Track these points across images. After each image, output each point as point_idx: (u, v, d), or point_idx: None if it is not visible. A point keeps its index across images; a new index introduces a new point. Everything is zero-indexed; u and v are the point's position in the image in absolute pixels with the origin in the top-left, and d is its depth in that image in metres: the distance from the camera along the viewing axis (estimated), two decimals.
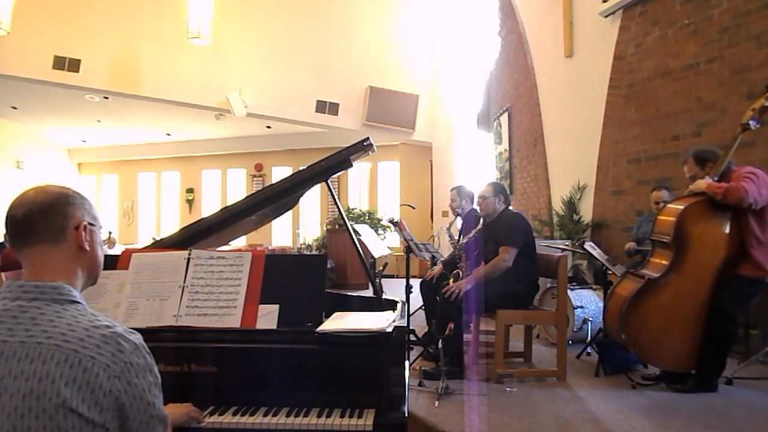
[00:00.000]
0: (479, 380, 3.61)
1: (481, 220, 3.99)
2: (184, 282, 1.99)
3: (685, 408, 3.04)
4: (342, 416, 1.69)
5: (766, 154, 4.11)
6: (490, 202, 3.98)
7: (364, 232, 4.39)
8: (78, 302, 1.11)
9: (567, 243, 5.59)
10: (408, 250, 4.44)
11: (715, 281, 3.25)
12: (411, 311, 4.73)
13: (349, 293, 3.08)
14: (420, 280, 4.91)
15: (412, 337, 4.32)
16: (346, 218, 2.58)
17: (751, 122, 3.22)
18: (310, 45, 10.12)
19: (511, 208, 4.15)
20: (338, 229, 9.93)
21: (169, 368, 1.74)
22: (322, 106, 10.26)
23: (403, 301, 2.31)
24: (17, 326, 1.04)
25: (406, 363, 1.81)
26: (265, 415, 1.70)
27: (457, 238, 4.35)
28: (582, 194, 6.20)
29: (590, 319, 4.41)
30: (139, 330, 1.15)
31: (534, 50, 7.49)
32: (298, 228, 12.35)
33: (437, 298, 4.04)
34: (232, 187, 14.75)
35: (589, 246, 4.31)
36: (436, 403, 3.13)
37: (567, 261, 3.93)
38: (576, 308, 4.43)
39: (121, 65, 9.38)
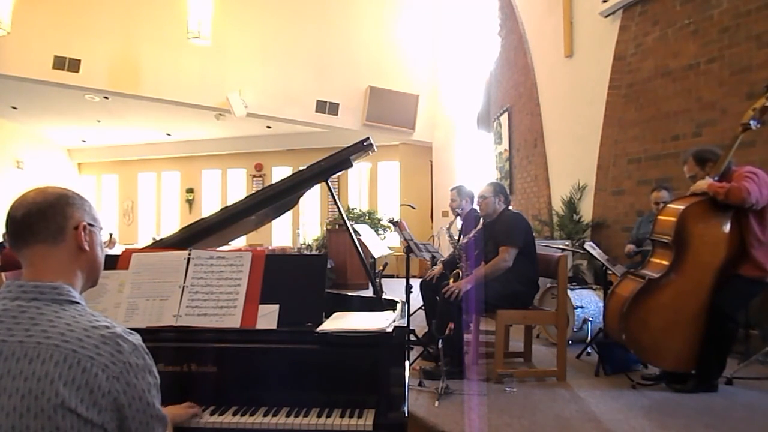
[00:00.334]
0: (479, 380, 3.61)
1: (481, 220, 3.99)
2: (184, 282, 1.99)
3: (685, 408, 3.04)
4: (342, 416, 1.69)
5: (766, 154, 4.11)
6: (490, 202, 3.98)
7: (364, 232, 4.39)
8: (77, 302, 1.12)
9: (567, 243, 5.59)
10: (408, 250, 4.44)
11: (716, 281, 3.25)
12: (411, 311, 4.73)
13: (349, 293, 3.08)
14: (420, 280, 4.91)
15: (412, 337, 4.32)
16: (346, 218, 2.58)
17: (751, 122, 3.22)
18: (310, 45, 10.12)
19: (511, 208, 4.15)
20: (338, 229, 9.93)
21: (169, 368, 1.74)
22: (322, 106, 10.26)
23: (403, 301, 2.31)
24: (16, 326, 1.04)
25: (406, 363, 1.81)
26: (265, 415, 1.70)
27: (457, 238, 4.35)
28: (582, 194, 6.20)
29: (590, 319, 4.41)
30: (139, 330, 1.15)
31: (534, 50, 7.49)
32: (298, 228, 12.35)
33: (437, 298, 4.04)
34: (232, 187, 14.75)
35: (589, 246, 4.31)
36: (436, 403, 3.13)
37: (567, 261, 3.93)
38: (576, 308, 4.43)
39: (121, 65, 9.37)
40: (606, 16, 5.79)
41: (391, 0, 10.73)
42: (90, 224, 1.19)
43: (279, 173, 13.71)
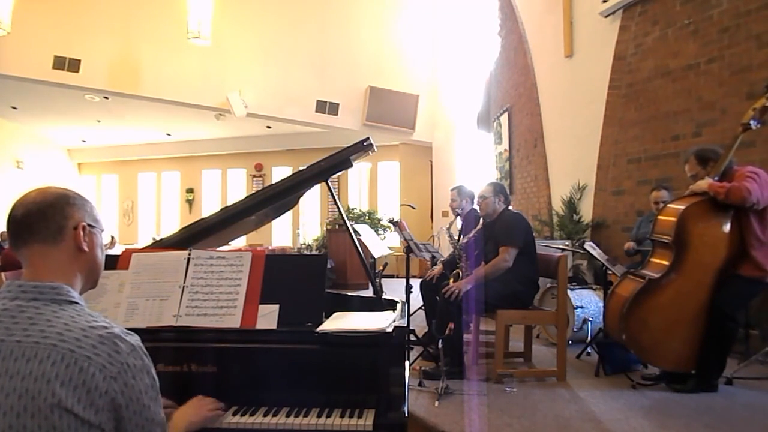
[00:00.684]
0: (479, 380, 3.61)
1: (481, 220, 3.99)
2: (184, 282, 1.98)
3: (685, 408, 3.04)
4: (342, 416, 1.69)
5: (766, 154, 4.11)
6: (490, 202, 3.98)
7: (364, 232, 4.39)
8: (76, 303, 1.11)
9: (567, 243, 5.59)
10: (408, 250, 4.43)
11: (716, 281, 3.25)
12: (411, 311, 4.73)
13: (349, 293, 3.08)
14: (420, 280, 4.90)
15: (412, 337, 4.32)
16: (346, 218, 2.58)
17: (751, 122, 3.22)
18: (310, 45, 10.13)
19: (511, 208, 4.15)
20: (338, 229, 9.93)
21: (169, 368, 1.74)
22: (322, 106, 10.26)
23: (403, 301, 2.30)
24: (15, 326, 1.04)
25: (406, 363, 1.81)
26: (265, 415, 1.69)
27: (457, 238, 4.35)
28: (582, 194, 6.20)
29: (590, 319, 4.41)
30: (139, 330, 1.15)
31: (534, 50, 7.49)
32: (298, 228, 12.35)
33: (437, 298, 4.04)
34: (232, 187, 14.75)
35: (589, 246, 4.31)
36: (436, 403, 3.13)
37: (567, 261, 3.93)
38: (576, 308, 4.43)
39: (121, 65, 9.38)
40: (606, 16, 5.79)
41: (391, 0, 10.73)
42: (90, 225, 1.19)
43: (279, 173, 13.71)
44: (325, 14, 10.23)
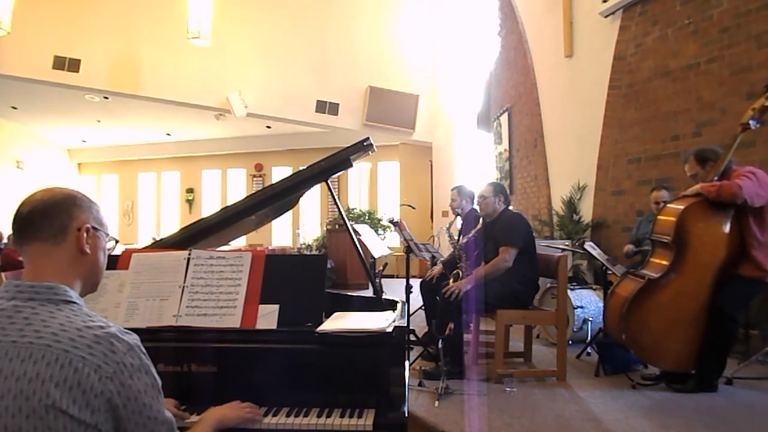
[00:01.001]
0: (479, 380, 3.61)
1: (481, 220, 3.99)
2: (184, 282, 1.98)
3: (685, 408, 3.04)
4: (342, 416, 1.69)
5: (766, 154, 4.11)
6: (490, 202, 3.98)
7: (364, 232, 4.39)
8: (73, 302, 1.11)
9: (567, 243, 5.59)
10: (408, 250, 4.43)
11: (715, 281, 3.25)
12: (411, 311, 4.72)
13: (349, 293, 3.08)
14: (420, 280, 4.90)
15: (412, 337, 4.32)
16: (346, 218, 2.58)
17: (751, 122, 3.22)
18: (310, 45, 10.12)
19: (511, 208, 4.15)
20: (338, 229, 9.93)
21: (169, 368, 1.74)
22: (322, 106, 10.26)
23: (403, 301, 2.30)
24: (11, 326, 1.04)
25: (406, 363, 1.81)
26: (265, 415, 1.69)
27: (457, 238, 4.35)
28: (582, 194, 6.20)
29: (590, 319, 4.41)
30: (139, 330, 1.14)
31: (534, 50, 7.49)
32: (298, 228, 12.36)
33: (437, 298, 4.04)
34: (232, 187, 14.75)
35: (589, 246, 4.31)
36: (436, 403, 3.13)
37: (567, 261, 3.93)
38: (576, 308, 4.43)
39: (121, 65, 9.37)
40: (606, 16, 5.79)
41: (391, 0, 10.73)
42: (94, 227, 1.18)
43: (279, 173, 13.71)
44: (325, 14, 10.23)
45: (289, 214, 6.78)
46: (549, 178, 7.10)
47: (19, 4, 8.04)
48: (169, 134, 14.06)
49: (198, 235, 2.37)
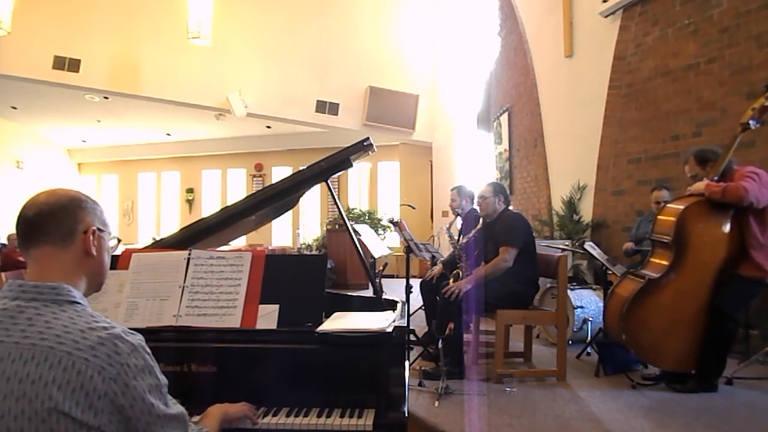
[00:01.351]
0: (479, 380, 3.61)
1: (481, 220, 3.99)
2: (184, 282, 1.98)
3: (685, 408, 3.04)
4: (342, 416, 1.69)
5: (766, 154, 4.11)
6: (490, 202, 3.98)
7: (364, 232, 4.39)
8: (77, 303, 1.11)
9: (567, 243, 5.59)
10: (408, 250, 4.43)
11: (715, 281, 3.25)
12: (411, 311, 4.72)
13: (349, 293, 3.08)
14: (420, 280, 4.90)
15: (412, 337, 4.32)
16: (346, 218, 2.58)
17: (751, 122, 3.22)
18: (310, 45, 10.13)
19: (511, 208, 4.15)
20: (338, 229, 9.93)
21: (169, 368, 1.74)
22: (322, 106, 10.26)
23: (403, 301, 2.31)
24: (14, 326, 1.03)
25: (406, 363, 1.81)
26: (265, 415, 1.69)
27: (457, 238, 4.35)
28: (582, 194, 6.20)
29: (590, 319, 4.41)
30: (138, 330, 1.14)
31: (534, 50, 7.49)
32: (298, 228, 12.35)
33: (437, 298, 4.04)
34: (232, 187, 14.75)
35: (589, 246, 4.31)
36: (436, 403, 3.13)
37: (567, 261, 3.93)
38: (576, 308, 4.43)
39: (121, 65, 9.38)
40: (606, 16, 5.79)
41: (391, 0, 10.73)
42: (100, 229, 1.18)
43: (279, 173, 13.71)
44: (325, 14, 10.23)
45: (289, 214, 6.78)
46: (549, 178, 7.10)
47: (19, 4, 8.04)
48: (169, 134, 14.06)
49: (198, 235, 2.37)
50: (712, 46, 4.67)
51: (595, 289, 4.75)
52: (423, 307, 4.88)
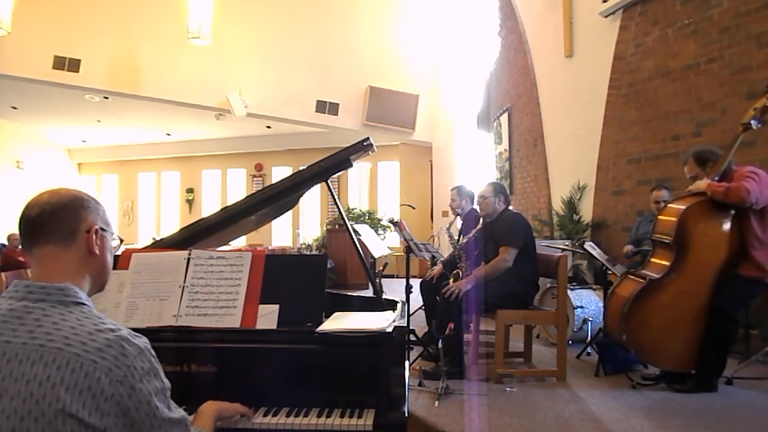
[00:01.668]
0: (479, 380, 3.61)
1: (481, 220, 3.99)
2: (184, 282, 1.98)
3: (685, 408, 3.04)
4: (342, 416, 1.69)
5: (766, 154, 4.11)
6: (490, 202, 3.98)
7: (364, 232, 4.39)
8: (84, 304, 1.11)
9: (567, 243, 5.59)
10: (408, 250, 4.43)
11: (716, 281, 3.25)
12: (411, 311, 4.72)
13: (349, 293, 3.08)
14: (420, 280, 4.90)
15: (412, 337, 4.32)
16: (346, 218, 2.58)
17: (752, 122, 3.22)
18: (310, 45, 10.13)
19: (511, 208, 4.14)
20: (338, 229, 9.93)
21: (169, 368, 1.72)
22: (322, 106, 10.26)
23: (403, 301, 2.30)
24: (21, 327, 1.04)
25: (406, 363, 1.81)
26: (265, 415, 1.69)
27: (457, 238, 4.35)
28: (582, 194, 6.20)
29: (590, 319, 4.41)
30: (138, 330, 1.14)
31: (534, 50, 7.49)
32: (298, 228, 12.35)
33: (437, 298, 4.03)
34: (232, 187, 14.75)
35: (589, 246, 4.31)
36: (436, 403, 3.13)
37: (567, 261, 3.93)
38: (576, 308, 4.43)
39: (121, 65, 9.38)
40: (606, 16, 5.79)
41: (391, 0, 10.73)
42: (102, 229, 1.19)
43: (279, 173, 13.71)
44: (325, 14, 10.24)
45: (289, 214, 6.78)
46: (549, 178, 7.10)
47: (19, 4, 8.04)
48: (169, 134, 14.06)
49: (198, 235, 2.37)
50: (712, 46, 4.67)
51: (595, 289, 4.75)
52: (423, 307, 4.88)
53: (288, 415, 1.70)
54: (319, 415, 1.70)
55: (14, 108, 11.97)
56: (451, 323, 3.61)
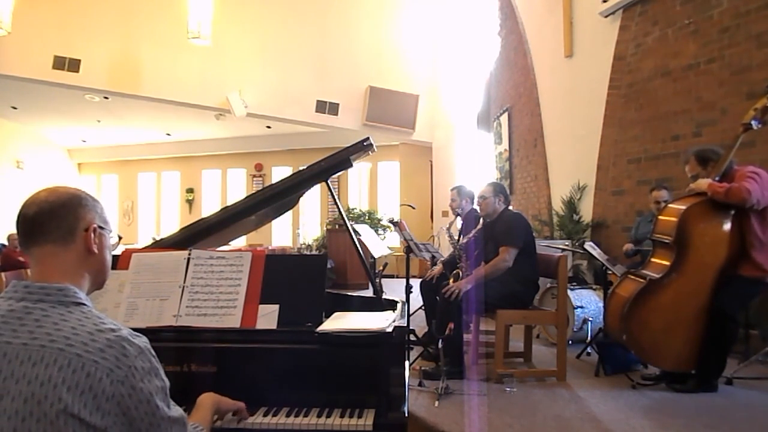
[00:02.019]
0: (479, 380, 3.61)
1: (481, 220, 3.99)
2: (184, 282, 1.98)
3: (685, 408, 3.04)
4: (342, 416, 1.69)
5: (766, 154, 4.11)
6: (490, 202, 3.98)
7: (364, 232, 4.39)
8: (83, 304, 1.11)
9: (567, 243, 5.59)
10: (408, 250, 4.43)
11: (716, 281, 3.25)
12: (411, 311, 4.72)
13: (349, 293, 3.08)
14: (420, 280, 4.90)
15: (412, 337, 4.32)
16: (346, 218, 2.58)
17: (753, 122, 3.22)
18: (310, 45, 10.13)
19: (511, 208, 4.14)
20: (338, 229, 9.93)
21: (169, 368, 1.72)
22: (322, 106, 10.27)
23: (403, 301, 2.31)
24: (21, 328, 1.03)
25: (406, 363, 1.81)
26: (265, 415, 1.69)
27: (457, 238, 4.35)
28: (582, 194, 6.20)
29: (590, 319, 4.41)
30: (138, 330, 1.14)
31: (534, 50, 7.49)
32: (298, 228, 12.36)
33: (437, 298, 4.03)
34: (232, 187, 14.75)
35: (589, 246, 4.31)
36: (436, 403, 3.12)
37: (567, 261, 3.92)
38: (576, 308, 4.43)
39: (121, 65, 9.38)
40: (606, 16, 5.79)
41: (391, 0, 10.74)
42: (100, 227, 1.18)
43: (279, 173, 13.71)
44: (325, 14, 10.24)
45: (289, 214, 6.78)
46: (549, 178, 7.10)
47: (19, 4, 8.04)
48: (169, 134, 14.06)
49: (198, 235, 2.37)
50: (712, 46, 4.67)
51: (595, 289, 4.75)
52: (423, 307, 4.88)
53: (288, 415, 1.70)
54: (319, 415, 1.70)
55: (14, 108, 11.97)
56: (451, 323, 3.61)
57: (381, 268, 5.00)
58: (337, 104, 10.31)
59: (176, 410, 1.13)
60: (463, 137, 10.90)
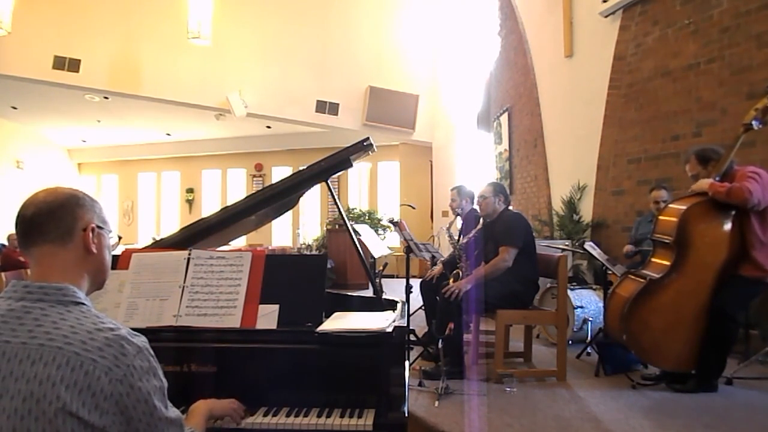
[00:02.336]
0: (479, 380, 3.61)
1: (481, 220, 3.99)
2: (184, 282, 1.98)
3: (685, 408, 3.04)
4: (342, 416, 1.69)
5: (766, 154, 4.11)
6: (490, 202, 3.98)
7: (364, 232, 4.39)
8: (82, 303, 1.11)
9: (567, 243, 5.59)
10: (408, 250, 4.43)
11: (716, 282, 3.25)
12: (411, 311, 4.72)
13: (349, 293, 3.08)
14: (420, 280, 4.90)
15: (412, 337, 4.32)
16: (346, 218, 2.58)
17: (754, 122, 3.22)
18: (310, 45, 10.13)
19: (511, 208, 4.14)
20: (338, 229, 9.93)
21: (169, 368, 1.73)
22: (322, 106, 10.27)
23: (403, 301, 2.31)
24: (20, 327, 1.04)
25: (406, 363, 1.81)
26: (265, 415, 1.69)
27: (457, 238, 4.35)
28: (582, 194, 6.20)
29: (590, 319, 4.41)
30: (138, 330, 1.15)
31: (534, 50, 7.49)
32: (298, 228, 12.36)
33: (437, 298, 4.03)
34: (232, 187, 14.75)
35: (589, 246, 4.31)
36: (436, 403, 3.13)
37: (567, 261, 3.92)
38: (576, 308, 4.43)
39: (121, 65, 9.38)
40: (606, 16, 5.79)
41: (391, 0, 10.74)
42: (99, 227, 1.18)
43: (279, 173, 13.71)
44: (325, 14, 10.24)
45: (289, 214, 6.78)
46: (549, 178, 7.10)
47: (19, 4, 8.04)
48: (169, 134, 14.06)
49: (198, 235, 2.37)
50: (712, 46, 4.67)
51: (595, 289, 4.75)
52: (423, 307, 4.88)
53: (288, 415, 1.70)
54: (319, 415, 1.70)
55: (14, 108, 11.97)
56: (451, 323, 3.61)
57: (381, 268, 5.00)
58: (337, 104, 10.31)
59: (173, 411, 1.13)
60: (463, 137, 10.90)
